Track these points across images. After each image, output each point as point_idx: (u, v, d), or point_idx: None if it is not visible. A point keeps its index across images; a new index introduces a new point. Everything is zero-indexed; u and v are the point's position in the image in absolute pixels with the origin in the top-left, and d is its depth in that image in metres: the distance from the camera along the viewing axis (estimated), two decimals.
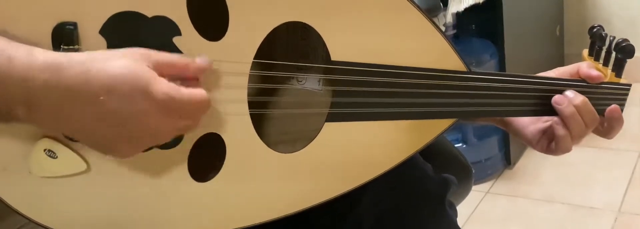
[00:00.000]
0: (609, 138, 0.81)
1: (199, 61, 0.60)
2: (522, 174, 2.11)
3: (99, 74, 0.53)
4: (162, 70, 0.56)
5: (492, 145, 2.07)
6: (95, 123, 0.55)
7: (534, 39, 2.30)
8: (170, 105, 0.55)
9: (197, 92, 0.57)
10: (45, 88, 0.52)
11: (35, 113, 0.54)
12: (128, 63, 0.54)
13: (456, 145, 1.98)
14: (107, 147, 0.58)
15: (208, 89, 0.61)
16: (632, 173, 2.03)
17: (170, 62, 0.58)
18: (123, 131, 0.56)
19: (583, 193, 1.95)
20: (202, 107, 0.59)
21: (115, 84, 0.53)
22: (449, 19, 1.86)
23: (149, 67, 0.55)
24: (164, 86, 0.55)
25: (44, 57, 0.53)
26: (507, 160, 2.13)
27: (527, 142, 0.82)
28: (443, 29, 1.87)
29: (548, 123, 0.80)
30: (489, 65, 1.95)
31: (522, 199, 1.97)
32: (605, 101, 0.79)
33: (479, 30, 2.06)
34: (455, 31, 1.99)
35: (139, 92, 0.54)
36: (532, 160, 2.16)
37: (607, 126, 0.80)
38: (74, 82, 0.53)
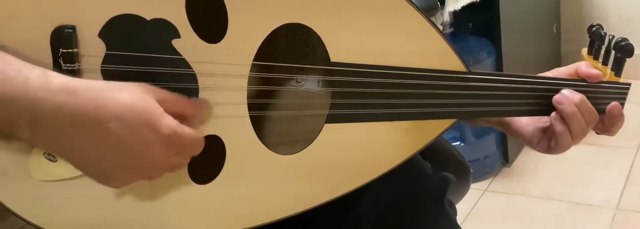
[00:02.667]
0: (610, 135, 0.81)
1: (198, 102, 0.63)
2: (520, 172, 2.11)
3: (111, 102, 0.55)
4: (166, 107, 0.58)
5: (490, 143, 2.07)
6: (97, 149, 0.56)
7: (531, 37, 2.31)
8: (172, 140, 0.58)
9: (197, 132, 0.61)
10: (57, 111, 0.53)
11: (38, 134, 0.55)
12: (139, 95, 0.57)
13: (454, 144, 1.99)
14: (102, 174, 0.59)
15: (207, 90, 0.61)
16: (630, 170, 2.04)
17: (173, 100, 0.60)
18: (122, 159, 0.57)
19: (581, 190, 1.95)
20: (197, 146, 0.62)
21: (125, 113, 0.55)
22: (446, 17, 1.86)
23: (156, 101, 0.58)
24: (170, 121, 0.58)
25: (60, 80, 0.54)
26: (505, 158, 2.13)
27: (527, 143, 0.82)
28: (440, 27, 1.87)
29: (547, 123, 0.80)
30: (487, 63, 1.95)
31: (520, 197, 1.97)
32: (605, 100, 0.79)
33: (476, 28, 2.06)
34: (452, 29, 1.99)
35: (146, 124, 0.56)
36: (529, 158, 2.17)
37: (608, 123, 0.80)
38: (86, 107, 0.54)
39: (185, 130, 0.59)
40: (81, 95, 0.54)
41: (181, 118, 0.60)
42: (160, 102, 0.58)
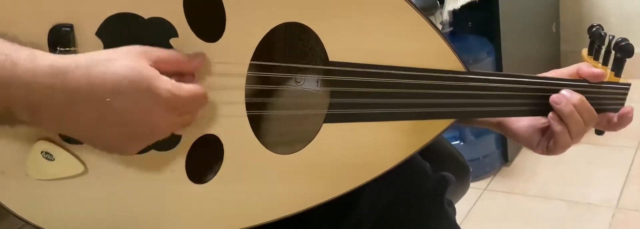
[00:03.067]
0: (614, 131, 0.82)
1: (194, 56, 0.61)
2: (520, 171, 2.11)
3: (103, 76, 0.54)
4: (161, 67, 0.57)
5: (490, 142, 2.07)
6: (100, 124, 0.56)
7: (530, 36, 2.31)
8: (172, 102, 0.57)
9: (196, 88, 0.59)
10: (50, 92, 0.53)
11: (38, 116, 0.54)
12: (130, 63, 0.55)
13: (454, 143, 1.99)
14: (112, 146, 0.59)
15: (205, 90, 0.61)
16: (629, 169, 2.04)
17: (168, 59, 0.59)
18: (128, 129, 0.57)
19: (580, 189, 1.95)
20: (200, 101, 0.61)
21: (119, 85, 0.54)
22: (446, 16, 1.86)
23: (149, 65, 0.57)
24: (166, 84, 0.57)
25: (48, 61, 0.53)
26: (505, 157, 2.13)
27: (526, 144, 0.82)
28: (440, 27, 1.87)
29: (546, 124, 0.80)
30: (486, 62, 1.95)
31: (519, 196, 1.97)
32: (605, 100, 0.79)
33: (475, 27, 2.06)
34: (451, 29, 1.99)
35: (143, 91, 0.55)
36: (529, 157, 2.17)
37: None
38: (79, 85, 0.53)
39: (184, 88, 0.58)
40: (71, 75, 0.53)
41: (180, 74, 0.59)
42: (155, 63, 0.57)
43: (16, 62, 0.52)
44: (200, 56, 0.62)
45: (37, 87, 0.52)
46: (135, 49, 0.57)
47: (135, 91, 0.55)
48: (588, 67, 0.79)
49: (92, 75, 0.54)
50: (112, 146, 0.59)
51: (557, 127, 0.76)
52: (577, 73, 0.80)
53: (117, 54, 0.56)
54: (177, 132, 0.62)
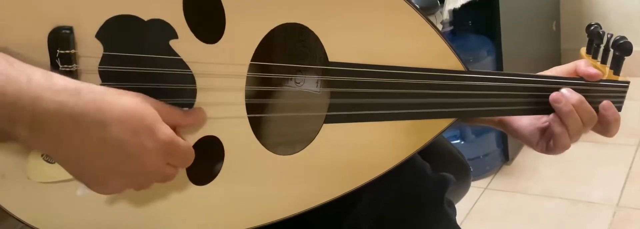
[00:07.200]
0: (609, 136, 0.81)
1: (195, 114, 0.64)
2: (521, 170, 2.11)
3: (112, 104, 0.56)
4: (162, 116, 0.59)
5: (490, 141, 2.07)
6: (95, 151, 0.56)
7: (530, 35, 2.31)
8: (168, 148, 0.59)
9: (190, 146, 0.62)
10: (59, 110, 0.53)
11: (37, 134, 0.54)
12: (140, 101, 0.58)
13: (454, 142, 1.99)
14: (97, 179, 0.59)
15: (205, 91, 0.62)
16: (630, 167, 2.04)
17: (170, 111, 0.61)
18: (117, 163, 0.57)
19: (581, 187, 1.95)
20: (189, 159, 0.63)
21: (126, 117, 0.56)
22: (446, 15, 1.86)
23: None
24: (168, 129, 0.59)
25: (63, 81, 0.55)
26: (505, 156, 2.13)
27: (527, 143, 0.82)
28: (440, 26, 1.87)
29: (546, 124, 0.80)
30: (486, 61, 1.95)
31: (520, 194, 1.98)
32: (603, 99, 0.79)
33: (475, 26, 2.06)
34: (452, 27, 1.99)
35: (145, 129, 0.57)
36: (530, 156, 2.17)
37: (604, 122, 0.79)
38: (87, 108, 0.54)
39: (181, 141, 0.60)
40: (83, 96, 0.54)
41: (174, 129, 0.61)
42: (159, 111, 0.59)
43: (31, 77, 0.53)
44: (198, 113, 0.64)
45: (46, 103, 0.53)
46: (141, 94, 0.59)
47: (138, 125, 0.56)
48: (585, 66, 0.79)
49: (103, 101, 0.55)
50: (95, 178, 0.59)
51: (557, 129, 0.76)
52: (575, 70, 0.80)
53: (127, 93, 0.58)
54: (157, 181, 0.62)
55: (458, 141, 2.02)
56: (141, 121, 0.57)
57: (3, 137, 0.56)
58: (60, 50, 0.58)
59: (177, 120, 0.62)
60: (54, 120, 0.54)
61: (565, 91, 0.77)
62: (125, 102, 0.56)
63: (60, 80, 0.54)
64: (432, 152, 0.90)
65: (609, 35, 0.79)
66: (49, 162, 0.61)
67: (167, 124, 0.59)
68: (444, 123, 0.75)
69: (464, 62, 0.73)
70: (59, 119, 0.54)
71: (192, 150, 0.62)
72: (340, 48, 0.68)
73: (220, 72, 0.64)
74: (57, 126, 0.54)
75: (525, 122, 0.83)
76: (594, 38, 0.81)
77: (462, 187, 1.03)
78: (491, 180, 2.07)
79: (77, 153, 0.56)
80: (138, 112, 0.57)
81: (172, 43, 0.62)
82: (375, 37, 0.69)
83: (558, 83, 0.77)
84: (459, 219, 0.90)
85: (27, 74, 0.53)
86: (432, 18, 1.68)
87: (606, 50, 0.80)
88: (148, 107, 0.58)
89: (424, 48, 0.72)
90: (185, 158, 0.62)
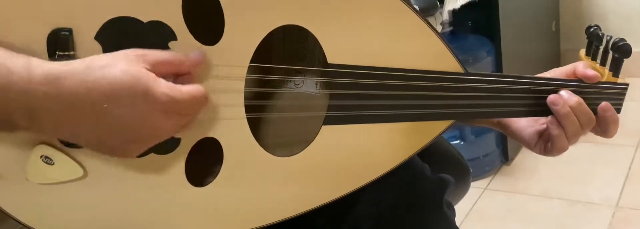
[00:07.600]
0: (608, 137, 0.81)
1: (193, 56, 0.61)
2: (520, 170, 2.11)
3: (98, 82, 0.54)
4: (159, 69, 0.57)
5: (490, 141, 2.07)
6: (99, 130, 0.56)
7: (530, 35, 2.30)
8: (170, 105, 0.57)
9: (194, 88, 0.59)
10: (46, 100, 0.53)
11: (37, 122, 0.54)
12: (126, 67, 0.55)
13: (454, 142, 1.99)
14: (113, 149, 0.59)
15: None
16: (630, 167, 2.04)
17: (165, 60, 0.59)
18: (127, 133, 0.57)
19: (581, 188, 1.95)
20: (200, 102, 0.60)
21: (115, 91, 0.54)
22: (446, 16, 1.86)
23: (146, 68, 0.56)
24: (163, 87, 0.56)
25: (42, 69, 0.53)
26: (505, 156, 2.13)
27: (525, 144, 0.83)
28: (440, 27, 1.87)
29: (544, 125, 0.80)
30: (486, 61, 1.95)
31: (520, 195, 1.98)
32: (602, 101, 0.79)
33: (475, 27, 2.06)
34: (451, 28, 1.99)
35: (140, 96, 0.55)
36: (529, 156, 2.17)
37: (602, 124, 0.80)
38: (75, 92, 0.53)
39: (182, 90, 0.57)
40: (67, 81, 0.53)
41: (179, 75, 0.59)
42: (153, 66, 0.57)
43: (12, 70, 0.52)
44: (199, 55, 0.61)
45: (33, 94, 0.52)
46: (132, 53, 0.57)
47: (132, 96, 0.55)
48: (584, 67, 0.79)
49: (89, 81, 0.54)
50: (113, 149, 0.59)
51: (555, 131, 0.77)
52: (574, 72, 0.80)
53: (114, 59, 0.56)
54: (177, 132, 0.61)
55: (457, 141, 2.02)
56: (133, 89, 0.55)
57: (10, 127, 0.55)
58: (60, 52, 0.58)
59: (175, 69, 0.59)
60: (46, 108, 0.53)
61: (563, 93, 0.77)
62: (113, 73, 0.54)
63: (39, 70, 0.53)
64: (432, 153, 0.90)
65: (608, 37, 0.79)
66: (48, 164, 0.61)
67: (168, 75, 0.58)
68: (443, 124, 0.75)
69: (462, 63, 0.73)
70: (50, 107, 0.53)
71: (199, 95, 0.59)
72: (340, 50, 0.68)
73: (220, 73, 0.64)
74: (52, 114, 0.54)
75: (524, 124, 0.83)
76: (594, 40, 0.81)
77: (462, 188, 1.03)
78: (491, 180, 2.07)
79: (83, 134, 0.56)
80: (126, 81, 0.54)
81: (171, 45, 0.62)
82: (375, 39, 0.69)
83: (556, 85, 0.77)
84: (458, 219, 0.90)
85: (7, 67, 0.52)
86: (431, 19, 1.68)
87: (605, 52, 0.80)
88: (138, 71, 0.55)
89: (423, 50, 0.72)
90: (195, 105, 0.59)
